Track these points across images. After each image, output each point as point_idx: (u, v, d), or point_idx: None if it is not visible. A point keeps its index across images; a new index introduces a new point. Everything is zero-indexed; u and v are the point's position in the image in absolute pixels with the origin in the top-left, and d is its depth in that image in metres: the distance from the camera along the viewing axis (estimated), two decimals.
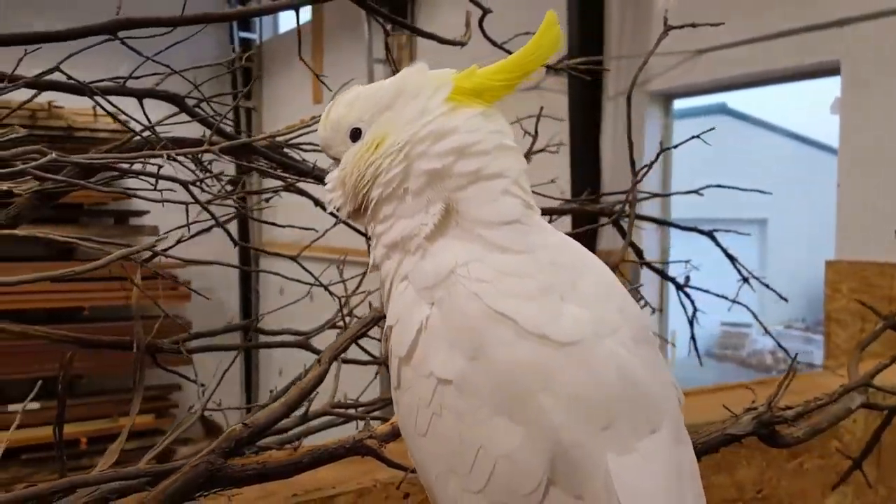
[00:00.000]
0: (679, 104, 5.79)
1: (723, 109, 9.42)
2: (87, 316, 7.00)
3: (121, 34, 1.66)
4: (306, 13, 7.50)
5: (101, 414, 7.06)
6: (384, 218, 1.10)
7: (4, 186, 1.14)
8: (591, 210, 2.42)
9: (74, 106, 7.01)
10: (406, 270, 1.08)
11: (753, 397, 1.69)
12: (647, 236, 5.43)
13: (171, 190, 1.61)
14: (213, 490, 1.26)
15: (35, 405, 6.95)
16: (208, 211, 1.69)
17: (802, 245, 8.75)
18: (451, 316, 1.01)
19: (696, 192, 2.54)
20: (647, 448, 0.98)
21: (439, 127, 1.07)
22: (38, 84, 1.70)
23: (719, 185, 2.52)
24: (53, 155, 1.25)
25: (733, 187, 2.56)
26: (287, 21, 8.38)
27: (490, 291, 1.00)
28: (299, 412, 1.57)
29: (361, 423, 1.50)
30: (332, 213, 1.20)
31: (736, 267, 2.77)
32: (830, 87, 4.35)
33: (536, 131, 2.42)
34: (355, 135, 1.13)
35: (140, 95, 1.79)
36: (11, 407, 6.54)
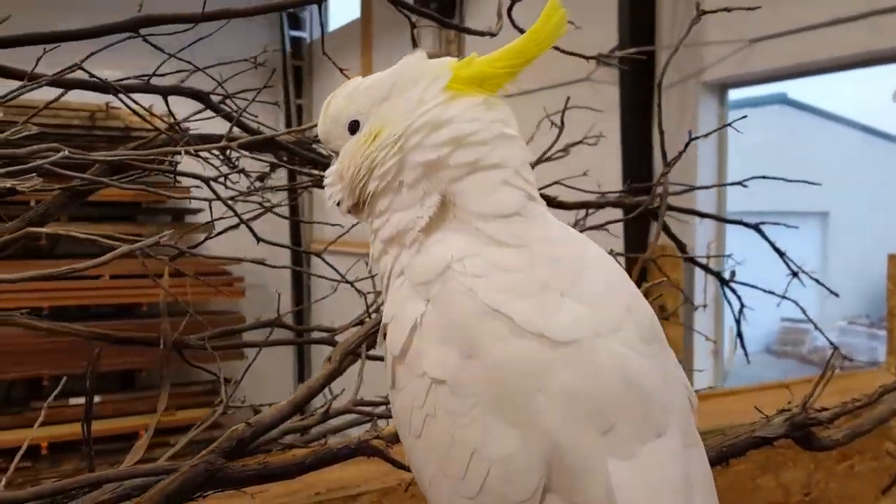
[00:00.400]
0: (736, 94, 5.64)
1: (783, 100, 9.14)
2: (145, 312, 7.18)
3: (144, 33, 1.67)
4: (355, 10, 7.53)
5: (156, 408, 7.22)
6: (380, 212, 1.08)
7: (8, 184, 1.14)
8: (627, 203, 2.35)
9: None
10: (402, 265, 1.05)
11: (791, 397, 1.61)
12: (700, 231, 5.30)
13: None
14: (213, 490, 1.25)
15: (96, 398, 7.19)
16: (230, 207, 1.69)
17: (866, 238, 8.43)
18: (445, 313, 0.97)
19: (739, 183, 2.43)
20: (651, 453, 0.93)
21: (435, 117, 1.04)
22: (61, 83, 1.71)
23: (764, 177, 2.41)
24: (66, 151, 1.26)
25: (780, 178, 2.45)
26: (336, 19, 8.44)
27: (485, 287, 0.97)
28: (316, 410, 1.55)
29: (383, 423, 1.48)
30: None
31: (785, 261, 2.66)
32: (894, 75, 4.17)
33: (563, 121, 2.36)
34: (353, 127, 1.11)
35: (165, 93, 1.80)
36: (73, 400, 6.74)
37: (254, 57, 2.15)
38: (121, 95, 1.71)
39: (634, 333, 0.98)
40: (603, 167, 4.13)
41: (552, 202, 2.49)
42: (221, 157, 1.93)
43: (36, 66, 1.69)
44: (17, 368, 6.51)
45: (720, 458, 1.31)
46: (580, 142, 2.55)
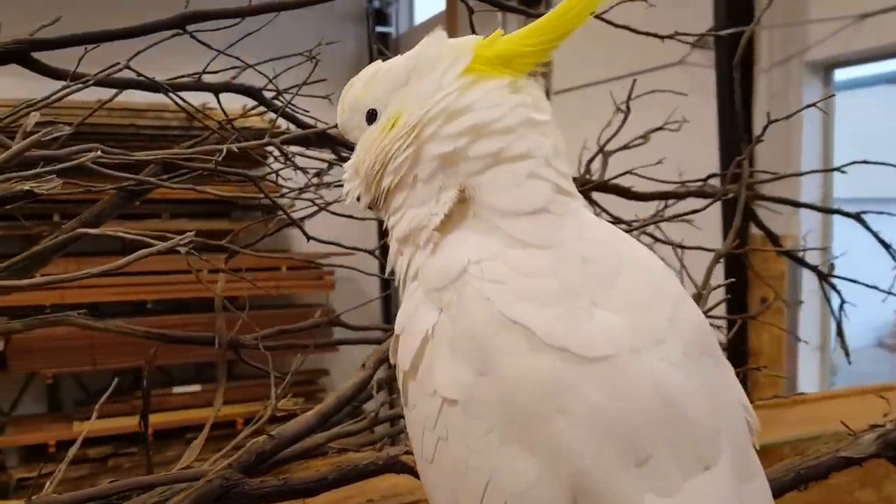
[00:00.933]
0: (842, 74, 5.27)
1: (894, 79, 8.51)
2: (240, 305, 7.37)
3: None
4: (440, 2, 7.48)
5: (255, 397, 7.42)
6: (395, 209, 0.99)
7: (26, 186, 1.13)
8: (710, 193, 2.19)
9: (229, 107, 7.35)
10: (416, 268, 0.96)
11: (888, 407, 1.44)
12: (804, 221, 4.98)
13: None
14: None
15: (196, 387, 7.44)
16: (279, 206, 1.66)
17: None
18: (458, 323, 0.87)
19: (836, 169, 2.24)
20: (697, 489, 0.80)
21: (452, 103, 0.94)
22: (109, 82, 1.71)
23: (865, 161, 2.21)
24: (98, 152, 1.25)
25: (883, 163, 2.24)
26: (422, 12, 8.41)
27: (503, 294, 0.86)
28: (368, 414, 1.49)
29: None
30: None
31: (890, 253, 2.44)
32: None
33: (628, 107, 2.22)
34: (371, 116, 1.02)
35: (217, 90, 1.77)
36: (176, 389, 7.00)
37: (308, 51, 2.11)
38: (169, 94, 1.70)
39: (678, 347, 0.86)
40: (699, 155, 3.92)
41: (626, 194, 2.37)
42: (281, 154, 1.90)
43: (77, 65, 1.70)
44: (121, 359, 6.80)
45: (797, 482, 1.17)
46: (660, 128, 2.41)
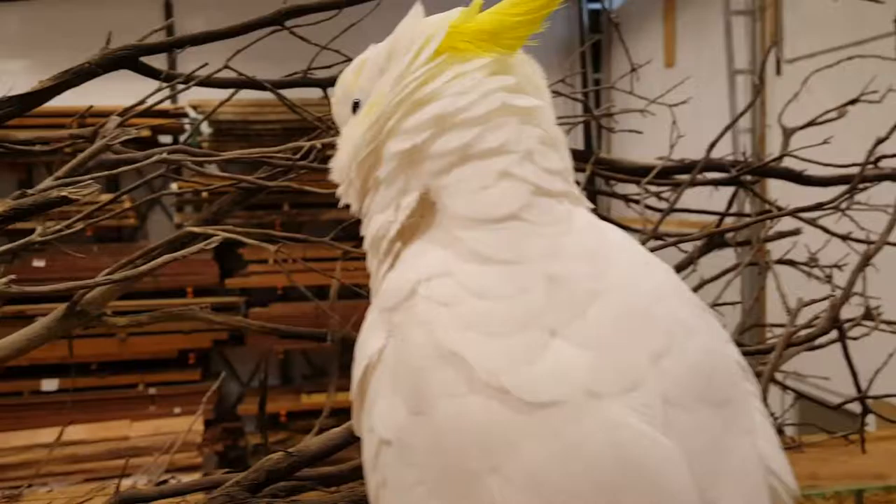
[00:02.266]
0: None
1: None
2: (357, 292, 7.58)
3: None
4: None
5: None
6: (364, 213, 0.89)
7: (64, 192, 1.20)
8: None
9: None
10: (377, 282, 0.85)
11: None
12: None
13: None
14: None
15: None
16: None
17: None
18: (400, 350, 0.76)
19: None
20: None
21: (414, 92, 0.82)
22: (213, 82, 1.74)
23: None
24: (165, 155, 1.31)
25: None
26: None
27: (446, 320, 0.73)
28: None
29: None
30: None
31: None
32: None
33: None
34: (355, 108, 0.92)
35: (324, 85, 1.78)
36: None
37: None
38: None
39: (658, 393, 0.68)
40: None
41: (798, 178, 2.08)
42: None
43: (174, 67, 1.77)
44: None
45: None
46: (855, 100, 2.08)
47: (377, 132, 0.85)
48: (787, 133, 2.10)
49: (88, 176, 1.30)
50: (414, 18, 0.87)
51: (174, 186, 5.90)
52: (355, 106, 0.92)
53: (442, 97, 0.81)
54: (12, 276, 1.16)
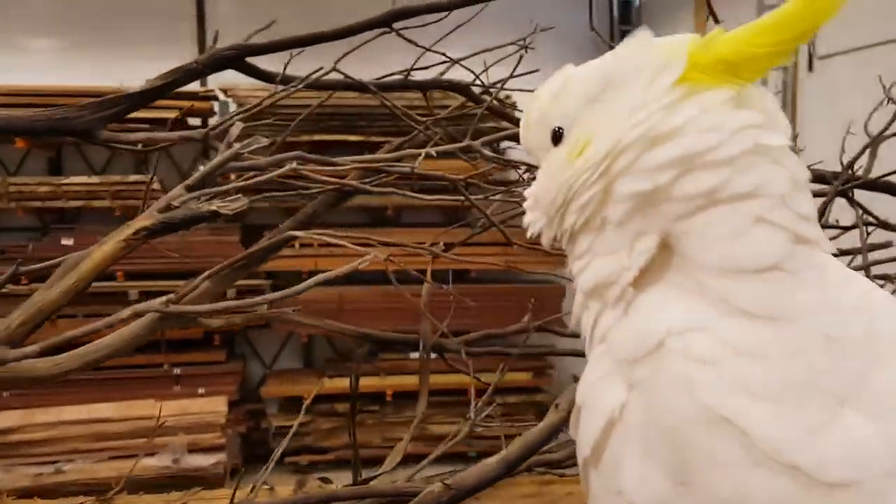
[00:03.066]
0: None
1: None
2: (474, 277, 7.56)
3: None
4: None
5: (486, 368, 7.61)
6: (580, 254, 0.82)
7: (213, 206, 1.22)
8: None
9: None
10: (604, 329, 0.79)
11: None
12: None
13: None
14: None
15: (432, 353, 7.79)
16: (477, 207, 1.65)
17: None
18: (653, 411, 0.70)
19: None
20: None
21: (655, 127, 0.75)
22: (317, 84, 1.78)
23: None
24: (294, 164, 1.31)
25: None
26: None
27: (712, 380, 0.68)
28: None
29: None
30: None
31: None
32: None
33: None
34: (557, 136, 0.85)
35: (425, 87, 1.78)
36: (413, 354, 7.39)
37: (522, 39, 2.04)
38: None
39: None
40: None
41: None
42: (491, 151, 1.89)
43: (285, 69, 1.78)
44: (367, 323, 7.31)
45: None
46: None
47: (606, 168, 0.78)
48: (875, 140, 2.01)
49: (230, 185, 1.31)
50: (641, 44, 0.81)
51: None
52: (557, 133, 0.86)
53: (686, 133, 0.75)
54: (170, 296, 1.18)
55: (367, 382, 6.73)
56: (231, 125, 1.56)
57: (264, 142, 1.53)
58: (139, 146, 1.61)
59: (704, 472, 0.66)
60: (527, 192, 0.92)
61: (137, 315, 1.35)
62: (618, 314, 0.78)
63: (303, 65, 1.81)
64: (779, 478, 0.63)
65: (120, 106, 1.49)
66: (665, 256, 0.76)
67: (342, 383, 6.72)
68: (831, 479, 0.62)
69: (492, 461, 1.21)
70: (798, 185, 0.76)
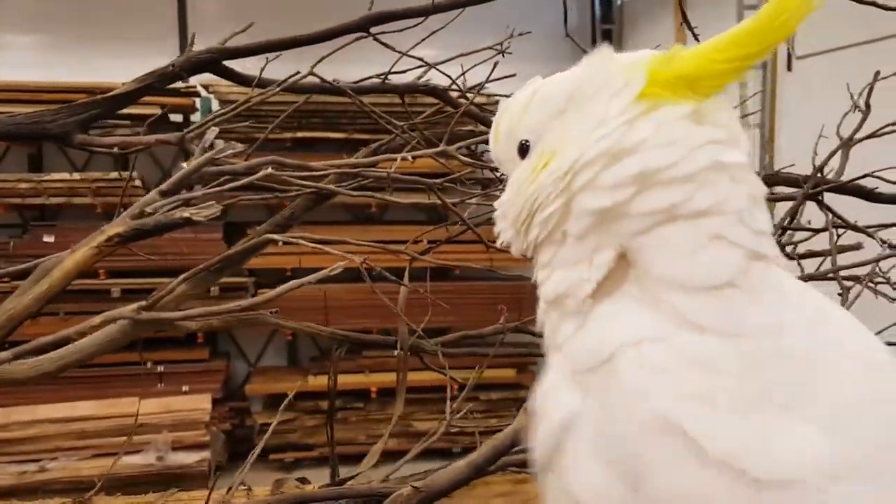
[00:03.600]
0: None
1: None
2: (457, 275, 7.59)
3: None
4: None
5: (463, 364, 7.63)
6: (542, 264, 0.84)
7: (186, 213, 1.23)
8: None
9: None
10: (562, 339, 0.80)
11: None
12: None
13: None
14: None
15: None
16: (453, 210, 1.66)
17: None
18: (606, 417, 0.71)
19: None
20: None
21: (615, 143, 0.76)
22: (294, 88, 1.79)
23: None
24: (270, 169, 1.34)
25: None
26: None
27: (666, 388, 0.69)
28: None
29: None
30: None
31: None
32: None
33: (868, 105, 1.89)
34: (523, 150, 0.87)
35: (401, 91, 1.79)
36: (396, 352, 7.40)
37: (499, 43, 2.04)
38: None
39: None
40: None
41: (871, 196, 2.05)
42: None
43: (261, 73, 1.78)
44: (351, 321, 7.32)
45: None
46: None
47: (568, 184, 0.79)
48: (847, 143, 2.03)
49: (205, 191, 1.32)
50: (602, 59, 0.82)
51: None
52: (523, 146, 0.87)
53: (645, 149, 0.75)
54: (142, 303, 1.19)
55: (352, 379, 6.74)
56: (208, 128, 1.57)
57: (239, 147, 1.54)
58: (115, 150, 1.62)
59: (655, 476, 0.67)
60: (496, 203, 0.93)
61: (108, 322, 1.36)
62: (576, 324, 0.79)
63: (283, 65, 1.83)
64: (727, 482, 0.64)
65: (95, 110, 1.50)
66: (624, 269, 0.77)
67: (326, 381, 6.75)
68: (772, 476, 0.64)
69: (461, 464, 1.24)
70: (755, 201, 0.77)
